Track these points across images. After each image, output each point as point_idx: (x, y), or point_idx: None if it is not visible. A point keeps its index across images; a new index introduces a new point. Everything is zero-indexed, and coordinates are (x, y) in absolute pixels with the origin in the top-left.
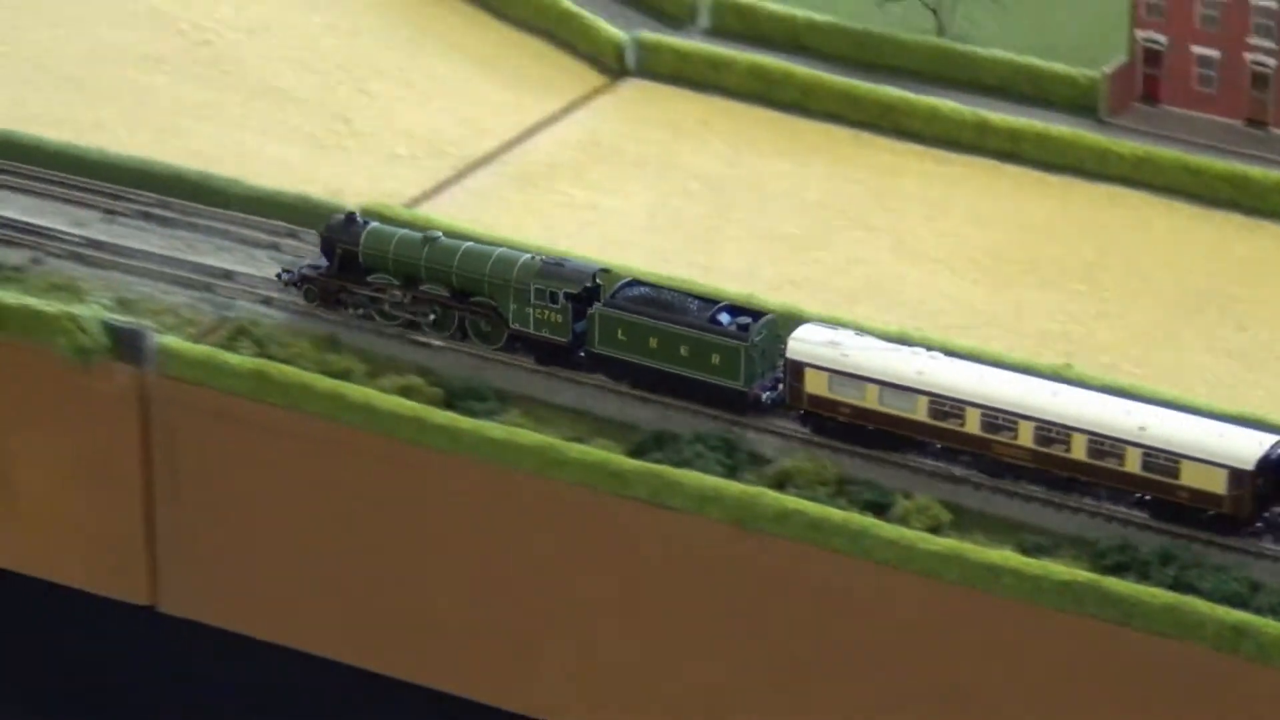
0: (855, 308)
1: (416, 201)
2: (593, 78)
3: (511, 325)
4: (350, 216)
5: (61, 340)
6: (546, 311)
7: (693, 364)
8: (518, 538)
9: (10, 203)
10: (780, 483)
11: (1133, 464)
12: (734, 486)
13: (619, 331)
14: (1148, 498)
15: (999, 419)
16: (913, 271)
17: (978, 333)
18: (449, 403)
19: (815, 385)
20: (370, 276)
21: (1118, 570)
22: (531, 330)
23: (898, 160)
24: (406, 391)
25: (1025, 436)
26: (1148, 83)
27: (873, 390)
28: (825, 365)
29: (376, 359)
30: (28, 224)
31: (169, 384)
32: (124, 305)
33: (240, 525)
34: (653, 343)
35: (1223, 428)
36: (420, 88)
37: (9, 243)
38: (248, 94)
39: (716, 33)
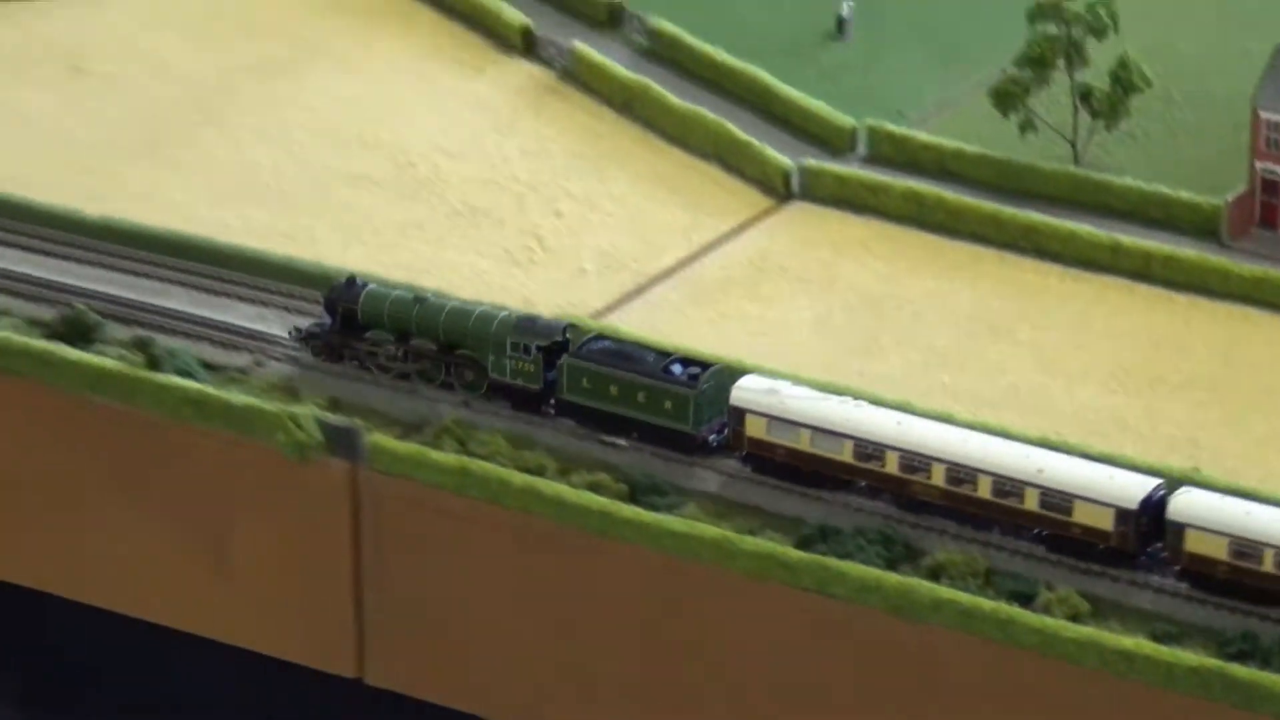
0: (1000, 413)
1: (601, 313)
2: (761, 200)
3: (491, 375)
4: (350, 280)
5: (281, 437)
6: (521, 362)
7: (648, 409)
8: (693, 622)
9: (235, 310)
10: (934, 574)
11: (1032, 503)
12: (892, 577)
13: (584, 380)
14: (1045, 533)
15: (915, 461)
16: (1052, 382)
17: (1111, 438)
18: (633, 497)
19: (755, 429)
20: (367, 333)
21: (1241, 658)
22: (509, 379)
23: (1038, 279)
24: (594, 487)
25: (938, 477)
26: (1266, 210)
27: (805, 434)
28: (764, 411)
29: (566, 457)
30: (250, 330)
31: (378, 477)
32: (336, 405)
33: (440, 605)
34: (613, 390)
35: (1112, 471)
36: (604, 208)
37: (234, 346)
38: (449, 212)
39: (873, 160)
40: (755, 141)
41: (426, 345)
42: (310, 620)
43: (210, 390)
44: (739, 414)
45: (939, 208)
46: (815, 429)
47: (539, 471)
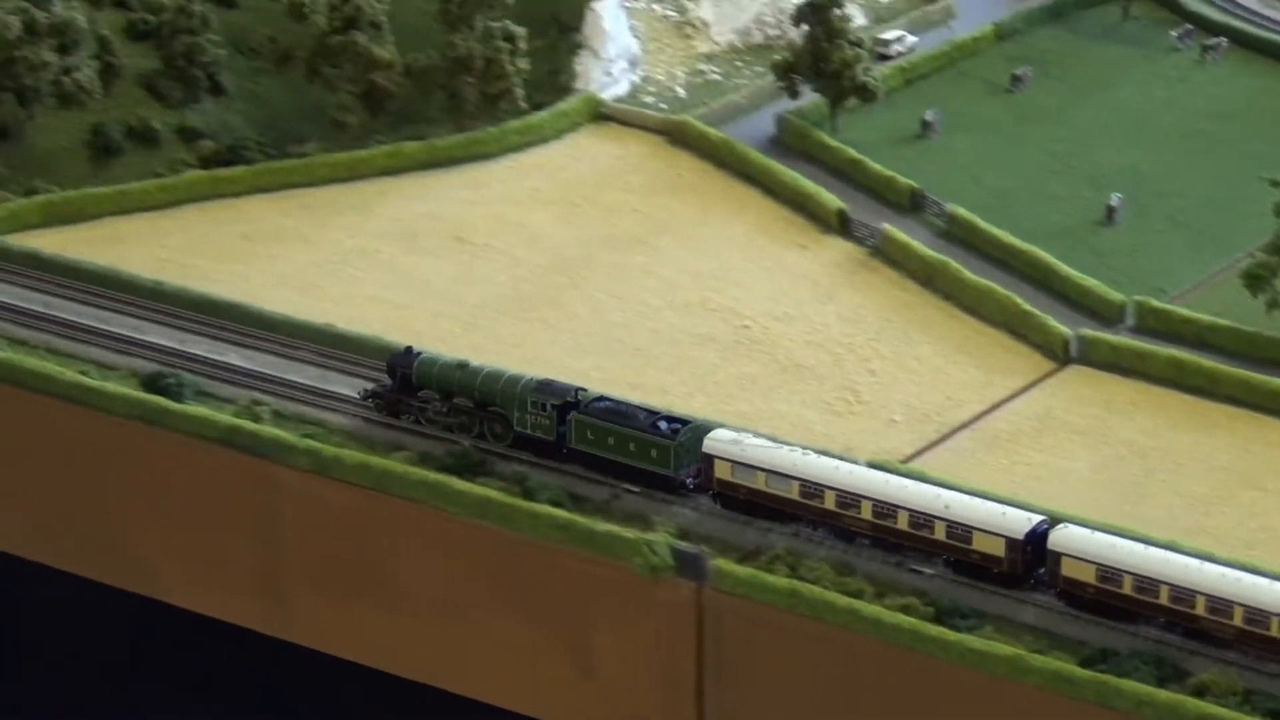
0: (1251, 552)
1: (909, 458)
2: (1044, 364)
3: (515, 428)
4: (408, 350)
5: (638, 560)
6: (539, 418)
7: (638, 457)
8: None
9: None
10: (1199, 691)
11: (940, 533)
12: (1163, 693)
13: (588, 433)
14: (951, 559)
15: (848, 498)
16: None
17: None
18: (939, 619)
19: (722, 472)
20: (420, 392)
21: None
22: (529, 431)
23: None
24: (906, 609)
25: (866, 512)
26: None
27: (761, 476)
28: (729, 458)
29: (882, 582)
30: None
31: (720, 597)
32: (684, 533)
33: (772, 710)
34: (611, 441)
35: (1005, 508)
36: (910, 367)
37: (600, 483)
38: (778, 369)
39: (1140, 330)
40: (1038, 313)
41: (465, 403)
42: (660, 717)
43: (578, 518)
44: (709, 460)
45: (1198, 373)
46: (769, 472)
47: (858, 594)
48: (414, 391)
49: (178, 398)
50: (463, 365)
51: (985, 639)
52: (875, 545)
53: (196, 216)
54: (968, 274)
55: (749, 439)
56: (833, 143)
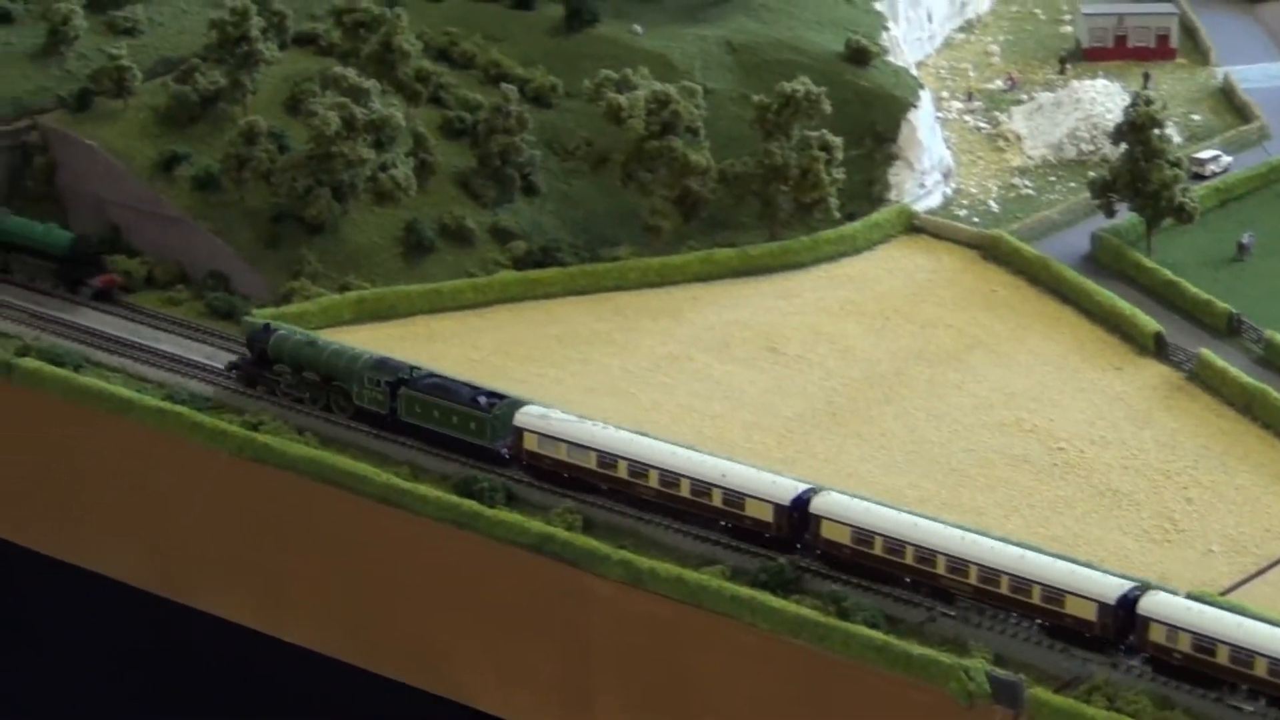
0: None
1: (1227, 590)
2: None
3: (355, 401)
4: (266, 326)
5: (954, 685)
6: (374, 392)
7: (458, 428)
8: None
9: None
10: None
11: (718, 500)
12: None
13: (415, 406)
14: (729, 525)
15: (638, 468)
16: None
17: None
18: None
19: (530, 444)
20: (275, 366)
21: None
22: (366, 405)
23: None
24: None
25: (654, 480)
26: None
27: (563, 447)
28: (536, 430)
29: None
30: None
31: None
32: (1001, 660)
33: None
34: (435, 414)
35: (775, 478)
36: (1229, 496)
37: (915, 604)
38: (1093, 493)
39: None
40: None
41: (313, 377)
42: None
43: (894, 640)
44: (519, 432)
45: None
46: (571, 444)
47: None
48: (269, 365)
49: (490, 503)
50: (312, 342)
51: None
52: (659, 511)
53: (508, 317)
54: None
55: (556, 414)
56: (1148, 263)
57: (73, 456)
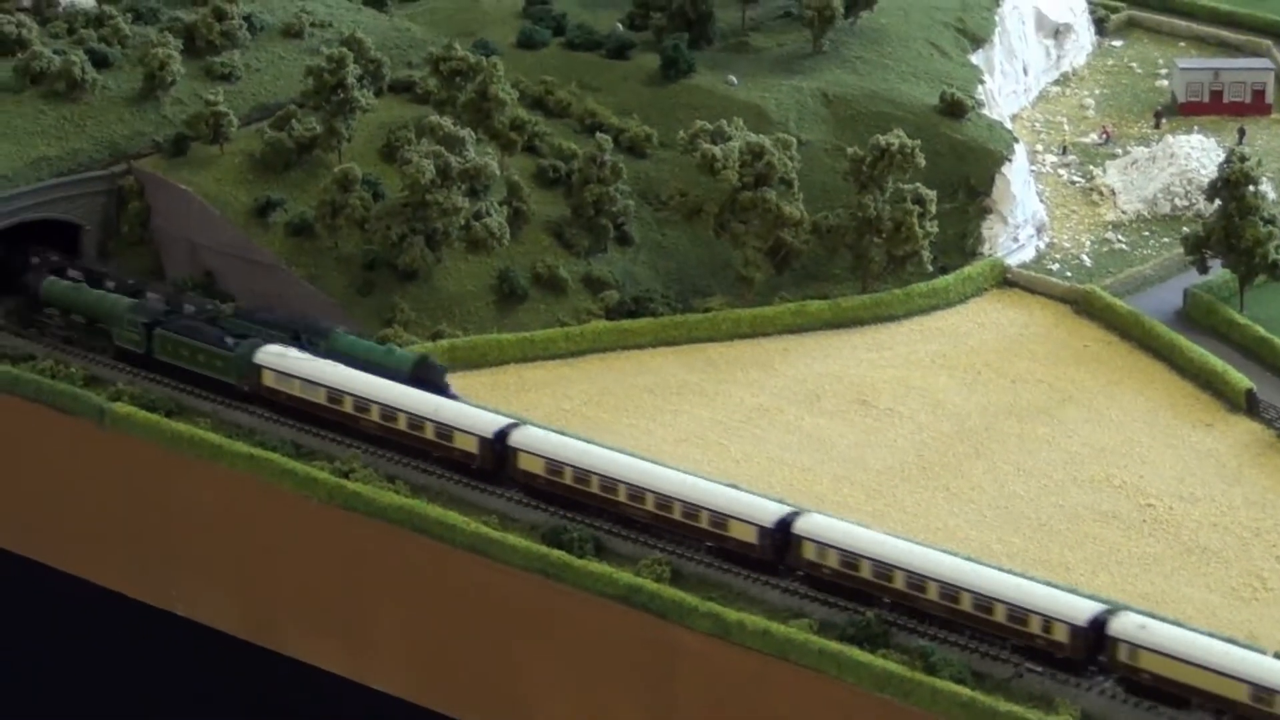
0: None
1: None
2: None
3: (115, 342)
4: (39, 270)
5: None
6: (132, 333)
7: (207, 366)
8: None
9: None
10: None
11: (430, 433)
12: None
13: (168, 345)
14: (437, 457)
15: (362, 402)
16: None
17: None
18: None
19: (269, 380)
20: (46, 309)
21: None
22: (125, 344)
23: None
24: None
25: (375, 414)
26: None
27: (296, 383)
28: (274, 367)
29: None
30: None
31: None
32: (1088, 717)
33: None
34: (185, 353)
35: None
36: None
37: (1002, 660)
38: (1182, 550)
39: None
40: None
41: (79, 319)
42: None
43: (980, 696)
44: (257, 369)
45: None
46: (303, 380)
47: None
48: (41, 308)
49: (579, 553)
50: (77, 287)
51: None
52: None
53: (599, 367)
54: None
55: (294, 353)
56: (1241, 319)
57: (163, 502)
